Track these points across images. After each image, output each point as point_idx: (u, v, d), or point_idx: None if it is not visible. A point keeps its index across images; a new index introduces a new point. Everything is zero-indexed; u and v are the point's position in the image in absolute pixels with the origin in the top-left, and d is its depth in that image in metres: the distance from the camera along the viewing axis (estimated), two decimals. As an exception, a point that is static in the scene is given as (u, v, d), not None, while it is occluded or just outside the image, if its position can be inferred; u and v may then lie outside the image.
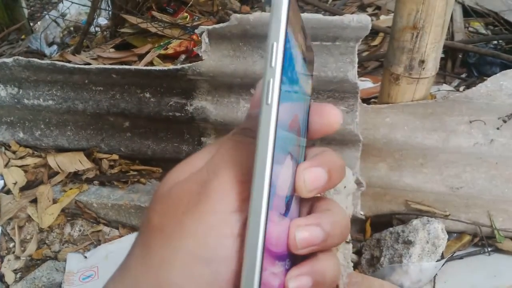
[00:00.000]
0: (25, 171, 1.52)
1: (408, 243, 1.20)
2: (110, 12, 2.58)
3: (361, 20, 1.05)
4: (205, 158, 0.30)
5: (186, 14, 2.49)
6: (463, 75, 2.00)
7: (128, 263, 0.29)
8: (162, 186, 0.30)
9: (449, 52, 2.03)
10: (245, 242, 0.25)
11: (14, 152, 1.58)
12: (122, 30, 2.39)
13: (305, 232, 0.29)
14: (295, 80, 0.29)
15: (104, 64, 1.92)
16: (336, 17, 1.07)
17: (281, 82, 0.25)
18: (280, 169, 0.27)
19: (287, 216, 0.29)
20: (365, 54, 2.17)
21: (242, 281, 0.25)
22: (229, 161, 0.28)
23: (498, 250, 1.29)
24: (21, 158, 1.56)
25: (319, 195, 0.34)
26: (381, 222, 1.36)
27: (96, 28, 2.69)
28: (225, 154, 0.29)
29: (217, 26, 1.16)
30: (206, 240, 0.26)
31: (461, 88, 1.83)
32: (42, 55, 2.51)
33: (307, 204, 0.34)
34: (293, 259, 0.30)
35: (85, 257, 1.34)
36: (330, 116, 0.32)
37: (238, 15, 1.13)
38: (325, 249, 0.30)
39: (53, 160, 1.52)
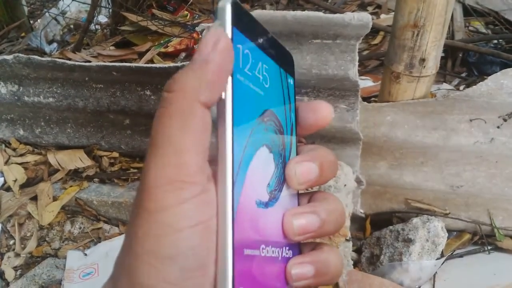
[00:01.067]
0: (25, 169, 1.52)
1: (408, 241, 1.20)
2: (110, 10, 2.58)
3: (362, 18, 1.05)
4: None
5: (186, 12, 2.49)
6: (463, 74, 2.00)
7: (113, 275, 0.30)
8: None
9: (450, 51, 2.03)
10: (217, 225, 0.27)
11: (14, 150, 1.58)
12: (122, 28, 2.39)
13: (302, 219, 0.31)
14: (254, 79, 0.31)
15: (104, 61, 1.92)
16: (337, 15, 1.07)
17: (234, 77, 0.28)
18: (249, 156, 0.29)
19: (274, 206, 0.31)
20: (365, 53, 2.17)
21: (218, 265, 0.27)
22: (155, 147, 0.28)
23: (498, 249, 1.29)
24: (21, 155, 1.56)
25: (315, 189, 0.35)
26: (381, 220, 1.36)
27: (96, 26, 2.69)
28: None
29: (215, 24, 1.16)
30: (164, 240, 0.26)
31: (461, 87, 1.83)
32: (42, 53, 2.51)
33: (305, 199, 0.36)
34: (295, 249, 0.32)
35: (85, 254, 1.34)
36: (322, 110, 0.34)
37: (239, 13, 1.13)
38: (321, 236, 0.32)
39: (53, 158, 1.52)
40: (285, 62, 0.36)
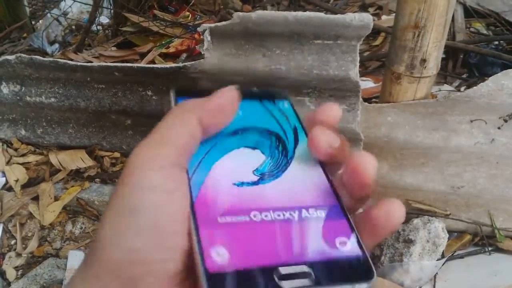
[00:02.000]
0: (27, 169, 1.52)
1: (409, 242, 1.20)
2: (112, 11, 2.58)
3: (363, 19, 1.05)
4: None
5: (187, 13, 2.50)
6: (464, 76, 2.00)
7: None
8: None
9: (450, 52, 2.03)
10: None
11: (16, 150, 1.58)
12: (124, 28, 2.40)
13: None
14: None
15: (106, 62, 1.92)
16: (338, 16, 1.07)
17: None
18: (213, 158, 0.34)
19: (273, 181, 0.33)
20: (366, 54, 2.17)
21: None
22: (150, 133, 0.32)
23: (499, 250, 1.29)
24: (23, 155, 1.57)
25: None
26: (382, 221, 1.36)
27: (98, 27, 2.69)
28: None
29: (219, 24, 1.17)
30: (129, 194, 0.29)
31: (462, 89, 1.83)
32: (44, 54, 2.51)
33: None
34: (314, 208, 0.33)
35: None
36: (331, 111, 0.37)
37: (240, 13, 1.13)
38: (340, 156, 0.34)
39: (54, 158, 1.53)
40: (269, 96, 0.41)
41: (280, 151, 0.36)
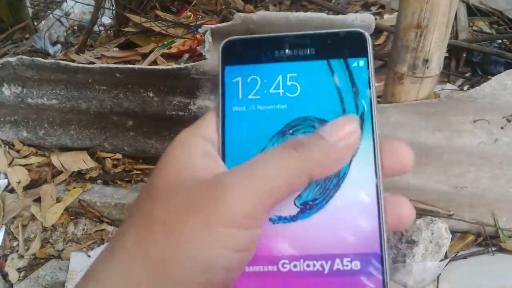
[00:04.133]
0: (29, 170, 1.52)
1: (412, 242, 1.19)
2: (114, 11, 2.58)
3: (365, 19, 1.05)
4: (203, 145, 0.31)
5: (189, 13, 2.49)
6: (467, 75, 1.99)
7: (122, 245, 0.29)
8: (160, 176, 0.30)
9: (453, 51, 2.02)
10: None
11: (18, 151, 1.58)
12: (126, 29, 2.40)
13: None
14: (268, 99, 0.32)
15: (108, 63, 1.92)
16: (340, 16, 1.07)
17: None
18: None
19: (315, 215, 0.30)
20: (368, 53, 2.16)
21: None
22: (243, 177, 0.28)
23: (502, 250, 1.29)
24: (25, 157, 1.57)
25: None
26: (385, 221, 1.35)
27: (100, 27, 2.69)
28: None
29: (220, 25, 1.16)
30: (209, 250, 0.26)
31: (465, 88, 1.82)
32: (46, 55, 2.52)
33: None
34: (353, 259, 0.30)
35: (89, 256, 1.34)
36: (404, 156, 0.32)
37: (241, 14, 1.13)
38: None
39: (56, 159, 1.52)
40: (336, 49, 0.32)
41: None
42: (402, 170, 0.31)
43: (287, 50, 0.32)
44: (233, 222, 0.26)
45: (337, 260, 0.29)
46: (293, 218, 0.29)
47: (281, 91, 0.31)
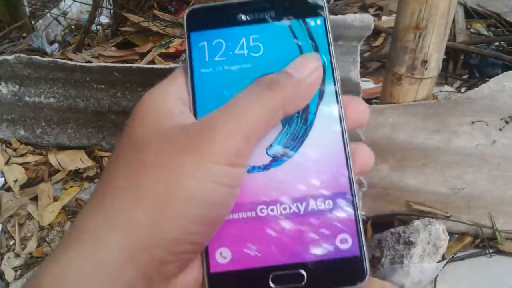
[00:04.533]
0: (26, 169, 1.52)
1: (409, 244, 1.19)
2: (112, 11, 2.58)
3: (364, 20, 1.05)
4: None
5: (187, 13, 2.49)
6: (465, 77, 1.99)
7: (109, 193, 0.29)
8: (140, 125, 0.33)
9: (451, 53, 2.02)
10: None
11: (15, 150, 1.57)
12: (124, 28, 2.39)
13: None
14: (234, 59, 0.33)
15: (106, 62, 1.91)
16: (339, 16, 1.07)
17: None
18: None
19: (286, 163, 0.32)
20: (366, 54, 2.17)
21: None
22: (228, 118, 0.30)
23: (500, 252, 1.29)
24: (22, 155, 1.56)
25: None
26: (382, 222, 1.35)
27: (98, 27, 2.69)
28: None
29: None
30: (204, 185, 0.28)
31: (463, 90, 1.82)
32: (43, 53, 2.51)
33: None
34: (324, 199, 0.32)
35: (85, 255, 1.33)
36: (359, 108, 0.35)
37: (240, 14, 1.13)
38: None
39: (54, 158, 1.52)
40: (295, 10, 0.35)
41: (300, 114, 0.33)
42: (360, 122, 0.35)
43: (249, 14, 0.34)
44: (225, 159, 0.28)
45: (311, 201, 0.31)
46: (266, 167, 0.31)
47: (245, 51, 0.33)
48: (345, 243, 0.30)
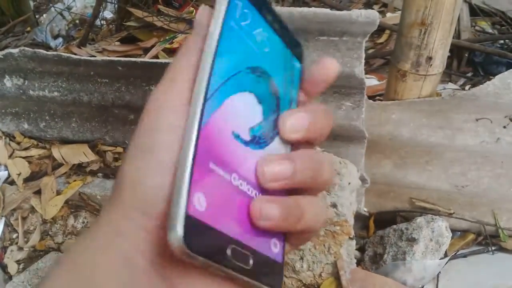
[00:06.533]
0: (29, 162, 1.52)
1: (412, 240, 1.19)
2: (116, 6, 2.58)
3: (369, 15, 1.05)
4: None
5: (192, 9, 2.49)
6: (469, 74, 1.99)
7: (121, 186, 0.31)
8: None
9: (455, 51, 2.02)
10: (185, 128, 0.29)
11: (18, 143, 1.58)
12: (128, 23, 2.39)
13: (274, 164, 0.32)
14: (250, 36, 0.34)
15: (109, 57, 1.92)
16: (344, 12, 1.07)
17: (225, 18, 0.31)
18: (230, 89, 0.31)
19: (258, 151, 0.32)
20: (370, 51, 2.17)
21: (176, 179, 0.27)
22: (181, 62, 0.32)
23: (502, 249, 1.29)
24: (26, 149, 1.56)
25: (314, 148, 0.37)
26: (385, 219, 1.35)
27: (102, 22, 2.69)
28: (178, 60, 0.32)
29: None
30: (156, 130, 0.30)
31: (467, 87, 1.82)
32: (47, 48, 2.51)
33: None
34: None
35: (88, 249, 1.34)
36: (327, 64, 0.36)
37: (245, 9, 1.13)
38: (297, 185, 0.32)
39: (57, 152, 1.52)
40: (293, 47, 0.38)
41: (275, 118, 0.34)
42: (326, 76, 0.36)
43: (278, 26, 0.37)
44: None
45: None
46: (246, 144, 0.32)
47: (259, 38, 0.34)
48: (275, 248, 0.32)
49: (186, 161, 0.27)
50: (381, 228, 1.32)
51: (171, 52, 2.14)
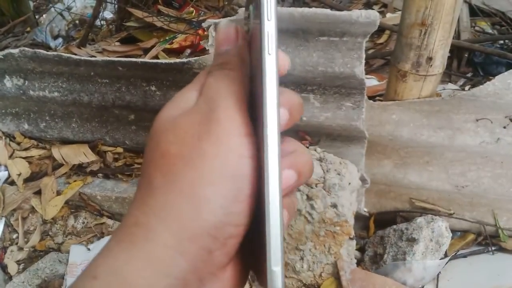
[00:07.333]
0: (30, 163, 1.52)
1: (412, 240, 1.20)
2: (116, 6, 2.58)
3: (369, 16, 1.05)
4: (194, 94, 0.33)
5: (191, 9, 2.49)
6: (469, 75, 1.99)
7: (149, 191, 0.31)
8: (159, 123, 0.33)
9: (455, 51, 2.02)
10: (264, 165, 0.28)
11: (18, 144, 1.58)
12: (128, 24, 2.39)
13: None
14: None
15: (109, 57, 1.92)
16: (344, 12, 1.07)
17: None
18: None
19: None
20: (370, 51, 2.17)
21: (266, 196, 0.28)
22: (225, 92, 0.31)
23: (502, 249, 1.29)
24: (26, 149, 1.56)
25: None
26: (385, 219, 1.35)
27: (102, 22, 2.69)
28: (218, 87, 0.32)
29: (224, 20, 1.16)
30: (228, 160, 0.29)
31: (467, 88, 1.82)
32: (47, 48, 2.51)
33: None
34: None
35: (89, 249, 1.34)
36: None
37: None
38: (297, 186, 0.33)
39: (57, 152, 1.52)
40: None
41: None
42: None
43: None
44: (236, 132, 0.30)
45: None
46: None
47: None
48: None
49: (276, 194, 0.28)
50: (381, 228, 1.32)
51: (171, 52, 2.14)
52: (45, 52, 1.41)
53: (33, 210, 1.42)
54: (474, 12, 2.33)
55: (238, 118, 0.30)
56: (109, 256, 0.29)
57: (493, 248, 1.28)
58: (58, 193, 1.43)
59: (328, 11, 1.09)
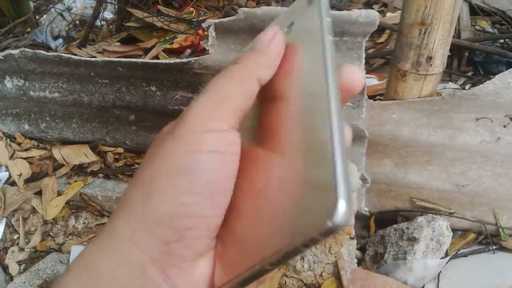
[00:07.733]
0: (30, 163, 1.52)
1: (413, 240, 1.20)
2: (116, 6, 2.58)
3: (369, 15, 1.05)
4: None
5: (192, 9, 2.49)
6: (469, 74, 1.99)
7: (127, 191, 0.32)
8: (161, 131, 0.35)
9: (455, 50, 2.02)
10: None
11: (19, 144, 1.58)
12: (128, 24, 2.39)
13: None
14: None
15: (110, 57, 1.92)
16: (344, 12, 1.07)
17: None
18: None
19: None
20: (370, 51, 2.17)
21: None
22: (210, 90, 0.32)
23: (503, 249, 1.29)
24: (26, 150, 1.56)
25: None
26: (386, 218, 1.35)
27: (102, 22, 2.69)
28: (210, 85, 0.33)
29: (224, 20, 1.16)
30: (185, 155, 0.30)
31: (467, 87, 1.82)
32: (47, 49, 2.51)
33: None
34: None
35: (89, 249, 1.34)
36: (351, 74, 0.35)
37: (245, 9, 1.13)
38: None
39: (58, 153, 1.52)
40: None
41: None
42: (353, 89, 0.34)
43: None
44: (199, 128, 0.30)
45: None
46: None
47: None
48: None
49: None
50: (382, 228, 1.32)
51: (171, 52, 2.15)
52: (45, 52, 1.41)
53: (34, 210, 1.42)
54: (474, 11, 2.33)
55: (204, 115, 0.31)
56: (84, 251, 0.31)
57: (493, 247, 1.28)
58: (59, 193, 1.43)
59: (328, 10, 1.08)
